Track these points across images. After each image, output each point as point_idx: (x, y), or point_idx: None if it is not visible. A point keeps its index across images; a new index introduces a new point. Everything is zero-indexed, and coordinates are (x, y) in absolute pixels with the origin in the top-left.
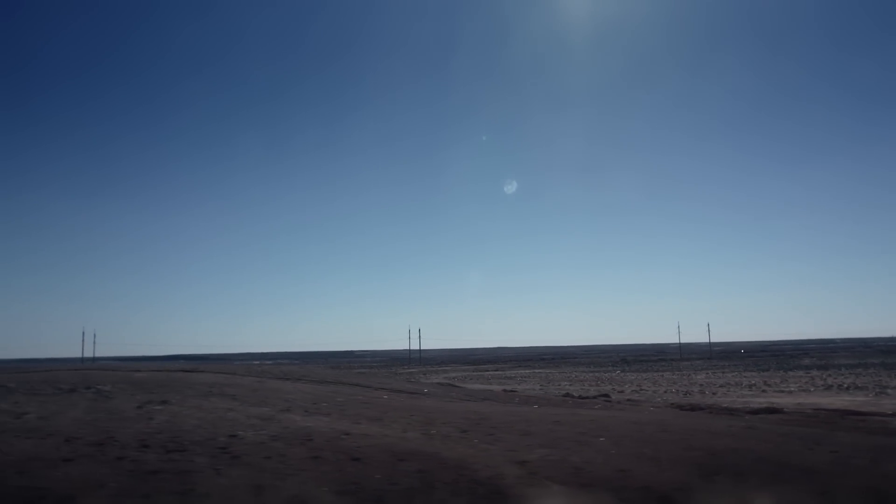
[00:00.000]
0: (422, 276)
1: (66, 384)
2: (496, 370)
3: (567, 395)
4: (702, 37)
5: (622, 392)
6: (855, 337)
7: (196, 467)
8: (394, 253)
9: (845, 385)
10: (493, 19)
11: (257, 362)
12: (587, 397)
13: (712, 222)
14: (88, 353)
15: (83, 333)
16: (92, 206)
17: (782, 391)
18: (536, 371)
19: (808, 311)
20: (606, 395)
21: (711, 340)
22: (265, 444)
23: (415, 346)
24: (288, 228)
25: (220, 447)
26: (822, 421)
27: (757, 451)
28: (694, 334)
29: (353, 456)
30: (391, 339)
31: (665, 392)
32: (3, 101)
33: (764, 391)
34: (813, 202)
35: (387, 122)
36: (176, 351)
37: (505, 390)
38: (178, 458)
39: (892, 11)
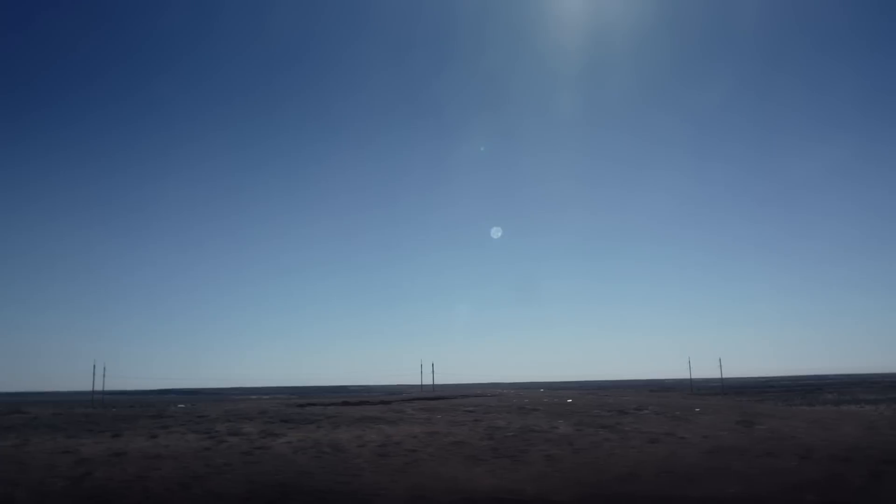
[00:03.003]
0: (413, 309)
1: (552, 410)
2: None
3: None
4: (703, 51)
5: None
6: (846, 373)
7: None
8: (386, 284)
9: None
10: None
11: (254, 397)
12: None
13: (706, 255)
14: (92, 386)
15: (94, 367)
16: (73, 232)
17: None
18: None
19: (790, 349)
20: None
21: (701, 377)
22: None
23: (426, 381)
24: (279, 254)
25: None
26: None
27: None
28: (682, 371)
29: None
30: (383, 376)
31: None
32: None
33: None
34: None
35: (374, 147)
36: (166, 385)
37: None
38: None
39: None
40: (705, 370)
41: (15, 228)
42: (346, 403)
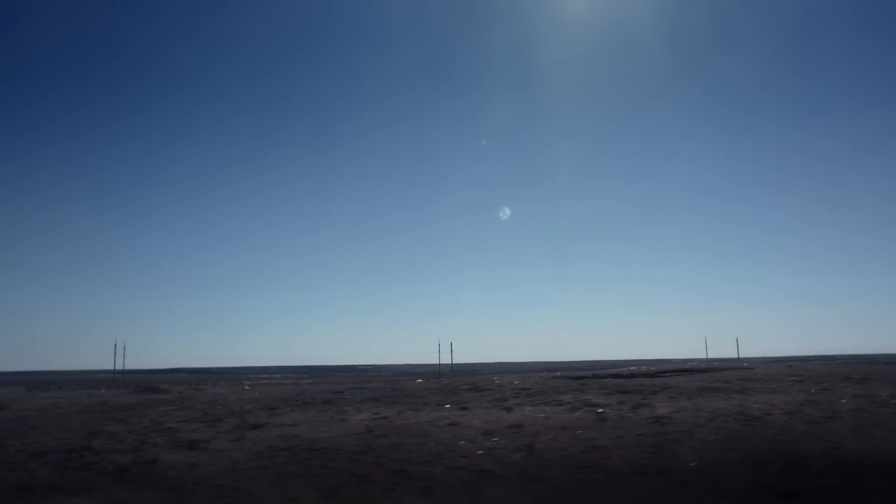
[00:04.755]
0: (420, 290)
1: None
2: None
3: None
4: (706, 43)
5: None
6: (852, 353)
7: None
8: (392, 265)
9: None
10: (493, 25)
11: (266, 376)
12: None
13: (712, 239)
14: (114, 365)
15: (115, 345)
16: (80, 212)
17: None
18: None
19: (796, 329)
20: None
21: (714, 357)
22: None
23: (444, 360)
24: (282, 238)
25: None
26: None
27: None
28: (695, 351)
29: None
30: (390, 355)
31: None
32: (20, 111)
33: None
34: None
35: (387, 126)
36: (174, 364)
37: None
38: None
39: None
40: (715, 351)
41: (18, 215)
42: (612, 376)
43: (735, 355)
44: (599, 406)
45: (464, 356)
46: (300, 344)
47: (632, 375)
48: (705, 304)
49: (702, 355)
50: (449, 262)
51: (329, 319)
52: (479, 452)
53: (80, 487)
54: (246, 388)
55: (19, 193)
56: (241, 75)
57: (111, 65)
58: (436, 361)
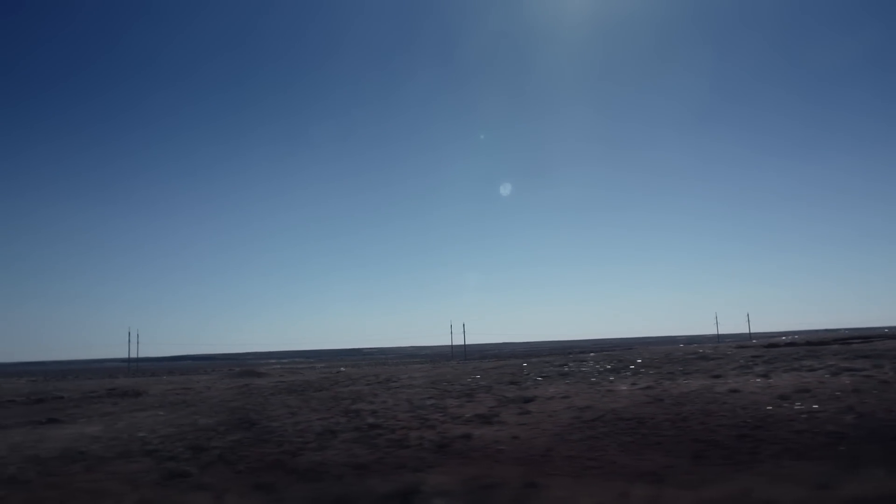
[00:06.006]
0: (420, 276)
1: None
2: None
3: None
4: (694, 32)
5: None
6: (856, 326)
7: None
8: (391, 251)
9: None
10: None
11: (275, 361)
12: None
13: (712, 217)
14: (128, 353)
15: (129, 334)
16: (86, 208)
17: None
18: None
19: (796, 304)
20: None
21: (721, 332)
22: None
23: (456, 341)
24: (283, 228)
25: None
26: None
27: None
28: (703, 327)
29: None
30: (390, 338)
31: None
32: (20, 108)
33: None
34: (821, 195)
35: (388, 118)
36: (177, 352)
37: None
38: None
39: None
40: (718, 327)
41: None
42: (793, 344)
43: (746, 331)
44: (858, 370)
45: (469, 337)
46: (299, 329)
47: (808, 342)
48: (707, 282)
49: (710, 331)
50: (451, 246)
51: (328, 305)
52: (802, 416)
53: (418, 464)
54: (342, 370)
55: (23, 188)
56: (243, 69)
57: (118, 61)
58: (440, 343)
